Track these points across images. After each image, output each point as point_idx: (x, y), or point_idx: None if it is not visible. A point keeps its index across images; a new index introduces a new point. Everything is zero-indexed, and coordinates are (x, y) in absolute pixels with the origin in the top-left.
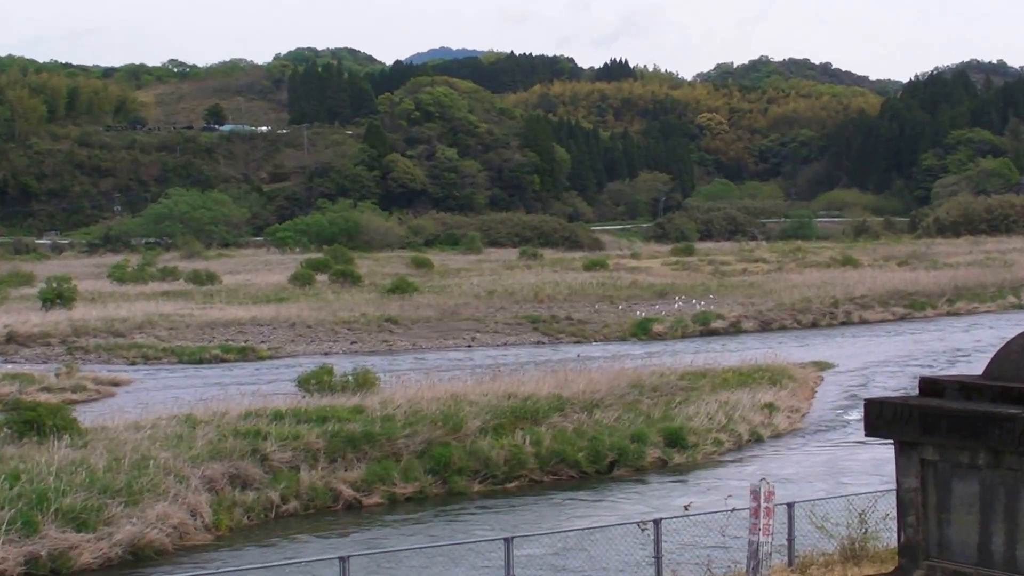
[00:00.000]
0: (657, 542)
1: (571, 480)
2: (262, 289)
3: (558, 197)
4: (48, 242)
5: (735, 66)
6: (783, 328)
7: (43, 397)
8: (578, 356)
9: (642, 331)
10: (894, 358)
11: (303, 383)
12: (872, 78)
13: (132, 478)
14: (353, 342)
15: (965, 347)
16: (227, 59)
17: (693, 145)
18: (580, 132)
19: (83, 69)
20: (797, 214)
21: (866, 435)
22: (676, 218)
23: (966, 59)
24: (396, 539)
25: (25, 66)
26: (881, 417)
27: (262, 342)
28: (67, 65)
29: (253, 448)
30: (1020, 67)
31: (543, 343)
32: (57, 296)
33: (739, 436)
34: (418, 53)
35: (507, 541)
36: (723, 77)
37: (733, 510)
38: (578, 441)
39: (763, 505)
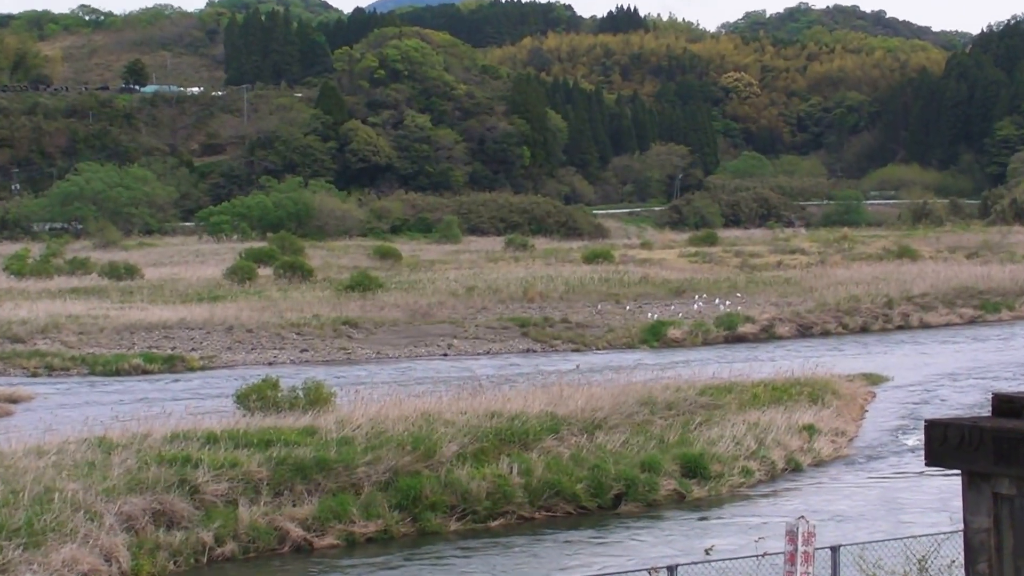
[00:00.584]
0: None
1: (568, 517)
2: (193, 285)
3: (552, 174)
4: None
5: (768, 15)
6: (826, 333)
7: None
8: (576, 366)
9: (654, 337)
10: (962, 370)
11: (243, 399)
12: (935, 29)
13: (33, 515)
14: (303, 350)
15: None
16: (149, 5)
17: (717, 111)
18: (580, 95)
19: None
20: (843, 195)
21: (927, 464)
22: (696, 200)
23: None
24: None
25: None
26: (946, 442)
27: (193, 349)
28: None
29: (181, 478)
30: None
31: (534, 351)
32: None
33: (773, 464)
34: None
35: None
36: (753, 28)
37: (765, 554)
38: (576, 470)
39: (801, 549)
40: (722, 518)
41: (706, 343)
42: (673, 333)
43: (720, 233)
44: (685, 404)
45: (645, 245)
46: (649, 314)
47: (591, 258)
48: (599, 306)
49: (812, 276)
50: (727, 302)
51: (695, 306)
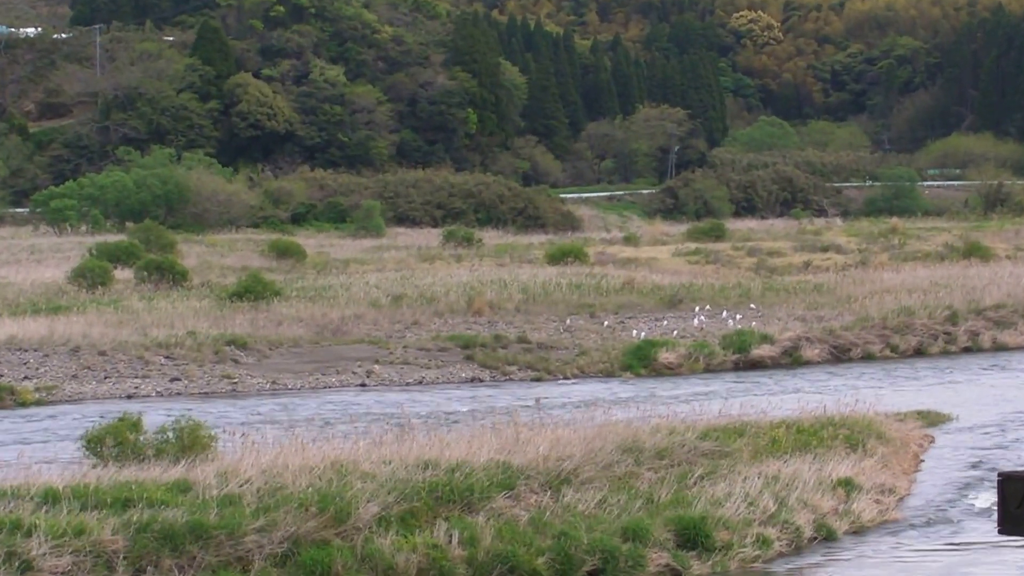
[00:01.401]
0: None
1: None
2: (26, 292)
3: (507, 146)
4: None
5: None
6: (868, 357)
7: None
8: (537, 401)
9: (641, 361)
10: None
11: (93, 444)
12: None
13: None
14: (175, 378)
15: None
16: None
17: (725, 63)
18: (543, 41)
19: None
20: (892, 174)
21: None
22: (697, 181)
23: None
24: None
25: None
26: None
27: (26, 378)
28: None
29: (8, 551)
30: None
31: (481, 380)
32: None
33: (798, 531)
34: None
35: None
36: None
37: None
38: (537, 539)
39: None
40: None
41: (710, 369)
42: (666, 357)
43: (729, 225)
44: (682, 451)
45: (629, 240)
46: (634, 331)
47: (558, 257)
48: (568, 321)
49: (851, 281)
50: (737, 316)
51: (695, 321)
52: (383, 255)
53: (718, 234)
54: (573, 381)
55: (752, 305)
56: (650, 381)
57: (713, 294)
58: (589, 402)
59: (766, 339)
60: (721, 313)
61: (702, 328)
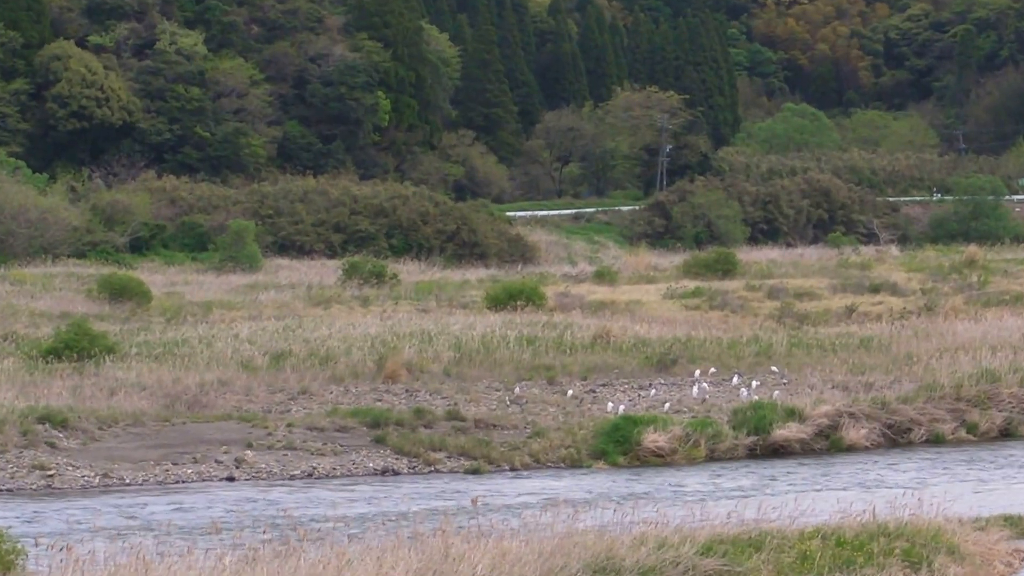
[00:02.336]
0: None
1: None
2: None
3: (433, 144)
4: None
5: None
6: (936, 440)
7: None
8: (475, 501)
9: (619, 446)
10: None
11: None
12: None
13: None
14: None
15: None
16: None
17: (737, 28)
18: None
19: None
20: (969, 185)
21: None
22: (698, 193)
23: None
24: None
25: None
26: None
27: None
28: None
29: None
30: None
31: (397, 472)
32: None
33: None
34: None
35: None
36: None
37: None
38: None
39: None
40: None
41: (715, 457)
42: (653, 440)
43: (742, 255)
44: (675, 572)
45: (603, 276)
46: (609, 405)
47: (503, 300)
48: (517, 389)
49: (911, 335)
50: (754, 383)
51: (695, 390)
52: (259, 297)
53: (727, 268)
54: (525, 474)
55: (774, 368)
56: (632, 473)
57: (720, 352)
58: (547, 502)
59: (793, 415)
60: (731, 379)
61: (704, 400)
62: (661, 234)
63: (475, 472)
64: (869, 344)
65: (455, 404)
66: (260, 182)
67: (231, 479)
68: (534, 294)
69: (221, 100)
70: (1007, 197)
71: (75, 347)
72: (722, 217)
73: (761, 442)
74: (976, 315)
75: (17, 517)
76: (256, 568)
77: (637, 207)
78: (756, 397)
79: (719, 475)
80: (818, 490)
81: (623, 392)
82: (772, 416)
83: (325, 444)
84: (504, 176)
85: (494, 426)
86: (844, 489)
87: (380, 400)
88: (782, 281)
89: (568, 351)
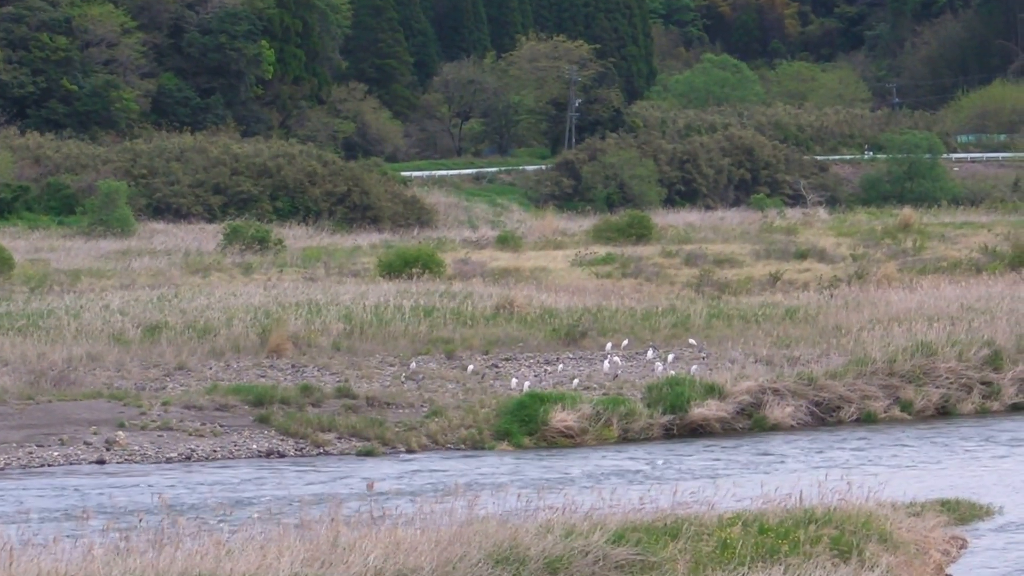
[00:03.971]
0: None
1: None
2: None
3: (321, 98)
4: None
5: None
6: (867, 419)
7: None
8: (369, 486)
9: (524, 426)
10: None
11: None
12: None
13: None
14: None
15: None
16: None
17: None
18: None
19: None
20: (904, 142)
21: None
22: (610, 152)
23: None
24: None
25: None
26: None
27: None
28: None
29: None
30: None
31: (283, 454)
32: None
33: None
34: None
35: None
36: None
37: None
38: None
39: None
40: None
41: (628, 438)
42: (562, 419)
43: (657, 219)
44: (584, 562)
45: (507, 242)
46: (514, 381)
47: (398, 268)
48: (413, 364)
49: (841, 305)
50: (670, 357)
51: (606, 364)
52: (132, 264)
53: (641, 233)
54: (422, 456)
55: (692, 341)
56: (538, 456)
57: (633, 323)
58: (446, 487)
59: (713, 392)
60: (646, 352)
61: (616, 375)
62: (570, 196)
63: (368, 454)
64: (795, 315)
65: (346, 381)
66: (133, 139)
67: (101, 462)
68: (431, 261)
69: (90, 50)
70: (944, 156)
71: None
72: (636, 177)
73: (678, 421)
74: (911, 283)
75: None
76: (129, 559)
77: (543, 167)
78: (673, 372)
79: (632, 457)
80: (739, 472)
81: (528, 367)
82: (690, 393)
83: (204, 424)
84: (399, 133)
85: (388, 404)
86: (767, 472)
87: (264, 376)
88: (701, 247)
89: (468, 323)
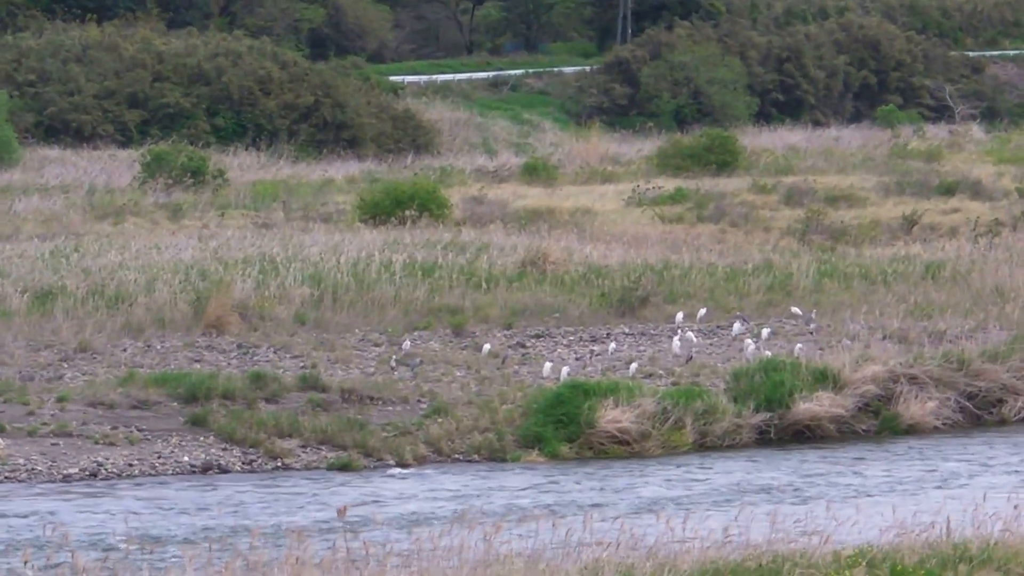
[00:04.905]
0: None
1: None
2: None
3: None
4: None
5: None
6: None
7: None
8: (340, 511)
9: (562, 429)
10: None
11: None
12: None
13: None
14: None
15: None
16: None
17: None
18: None
19: None
20: None
21: None
22: (679, 47)
23: None
24: None
25: None
26: None
27: None
28: None
29: None
30: None
31: (226, 468)
32: None
33: None
34: None
35: None
36: None
37: None
38: None
39: None
40: None
41: (707, 445)
42: (613, 418)
43: (747, 140)
44: None
45: (537, 173)
46: (547, 366)
47: (386, 210)
48: (406, 343)
49: (1001, 260)
50: (765, 331)
51: (675, 343)
52: (15, 206)
53: (724, 160)
54: (420, 471)
55: (796, 309)
56: (581, 470)
57: (714, 286)
58: (452, 514)
59: (825, 380)
60: (730, 326)
61: (690, 358)
62: (624, 109)
63: (344, 468)
64: (939, 273)
65: (313, 366)
66: (15, 33)
67: None
68: (432, 200)
69: None
70: None
71: None
72: (716, 83)
73: (777, 421)
74: None
75: None
76: None
77: (587, 68)
78: (768, 353)
79: (713, 471)
80: (862, 492)
81: (567, 347)
82: (793, 382)
83: (116, 428)
84: (386, 22)
85: (373, 400)
86: (902, 491)
87: (199, 361)
88: (807, 179)
89: (484, 286)
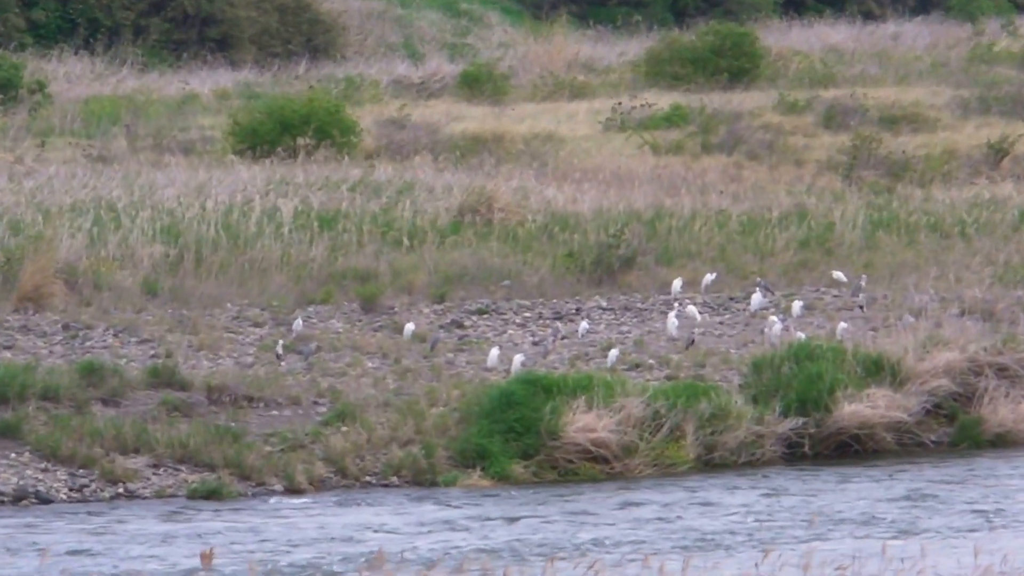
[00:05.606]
0: None
1: None
2: None
3: None
4: None
5: None
6: None
7: None
8: (201, 558)
9: (514, 440)
10: None
11: None
12: None
13: None
14: None
15: None
16: None
17: None
18: None
19: None
20: None
21: None
22: None
23: None
24: None
25: None
26: None
27: None
28: None
29: None
30: None
31: (45, 497)
32: None
33: None
34: None
35: None
36: None
37: None
38: None
39: None
40: None
41: (716, 463)
42: (585, 425)
43: (771, 39)
44: None
45: (481, 86)
46: (494, 353)
47: (268, 137)
48: (298, 322)
49: None
50: (796, 305)
51: (671, 319)
52: None
53: (740, 67)
54: (316, 498)
55: (839, 274)
56: (541, 497)
57: (725, 242)
58: (358, 561)
59: (880, 372)
60: (748, 298)
61: (692, 341)
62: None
63: (212, 496)
64: None
65: (168, 355)
66: None
67: None
68: (334, 124)
69: None
70: None
71: None
72: None
73: (813, 429)
74: None
75: None
76: None
77: None
78: (802, 335)
79: (723, 498)
80: (931, 528)
81: (522, 327)
82: (836, 375)
83: None
84: None
85: (251, 400)
86: (989, 527)
87: (10, 347)
88: (855, 93)
89: (406, 243)
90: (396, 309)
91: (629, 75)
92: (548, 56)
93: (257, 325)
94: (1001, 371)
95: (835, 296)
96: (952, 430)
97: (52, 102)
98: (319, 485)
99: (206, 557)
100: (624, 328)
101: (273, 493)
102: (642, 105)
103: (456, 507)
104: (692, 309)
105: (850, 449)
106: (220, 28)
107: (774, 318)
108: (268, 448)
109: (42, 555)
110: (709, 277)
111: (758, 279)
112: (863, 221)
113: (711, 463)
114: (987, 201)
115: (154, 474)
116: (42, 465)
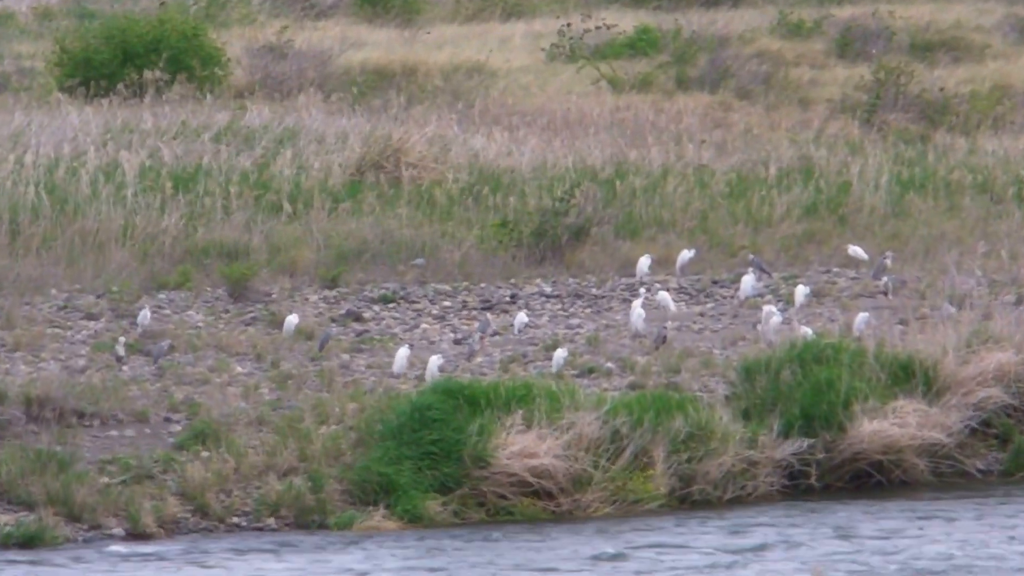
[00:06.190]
0: None
1: None
2: None
3: None
4: None
5: None
6: None
7: None
8: None
9: (428, 469)
10: None
11: None
12: None
13: None
14: None
15: None
16: None
17: None
18: None
19: None
20: None
21: None
22: None
23: None
24: None
25: None
26: None
27: None
28: None
29: None
30: None
31: None
32: None
33: None
34: None
35: None
36: None
37: None
38: None
39: None
40: None
41: (696, 501)
42: (523, 449)
43: None
44: None
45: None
46: (402, 353)
47: (104, 70)
48: (145, 311)
49: None
50: (801, 290)
51: (635, 309)
52: None
53: None
54: (165, 546)
55: (856, 249)
56: (465, 544)
57: (705, 207)
58: None
59: (909, 378)
60: (738, 281)
61: (664, 338)
62: None
63: (30, 543)
64: None
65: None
66: None
67: None
68: (193, 53)
69: None
70: None
71: None
72: None
73: (823, 454)
74: None
75: None
76: None
77: None
78: (808, 330)
79: (703, 545)
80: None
81: (439, 320)
82: (853, 383)
83: None
84: None
85: (83, 417)
86: None
87: None
88: (878, 11)
89: (287, 209)
90: (274, 296)
91: None
92: None
93: (91, 317)
94: None
95: (852, 279)
96: (1005, 455)
97: None
98: (171, 528)
99: None
100: (574, 321)
101: (111, 539)
102: (598, 27)
103: (351, 556)
104: (664, 296)
105: (871, 480)
106: None
107: (771, 308)
108: (105, 479)
109: None
110: (686, 254)
111: (750, 256)
112: (888, 180)
113: (688, 499)
114: None
115: None
116: None
